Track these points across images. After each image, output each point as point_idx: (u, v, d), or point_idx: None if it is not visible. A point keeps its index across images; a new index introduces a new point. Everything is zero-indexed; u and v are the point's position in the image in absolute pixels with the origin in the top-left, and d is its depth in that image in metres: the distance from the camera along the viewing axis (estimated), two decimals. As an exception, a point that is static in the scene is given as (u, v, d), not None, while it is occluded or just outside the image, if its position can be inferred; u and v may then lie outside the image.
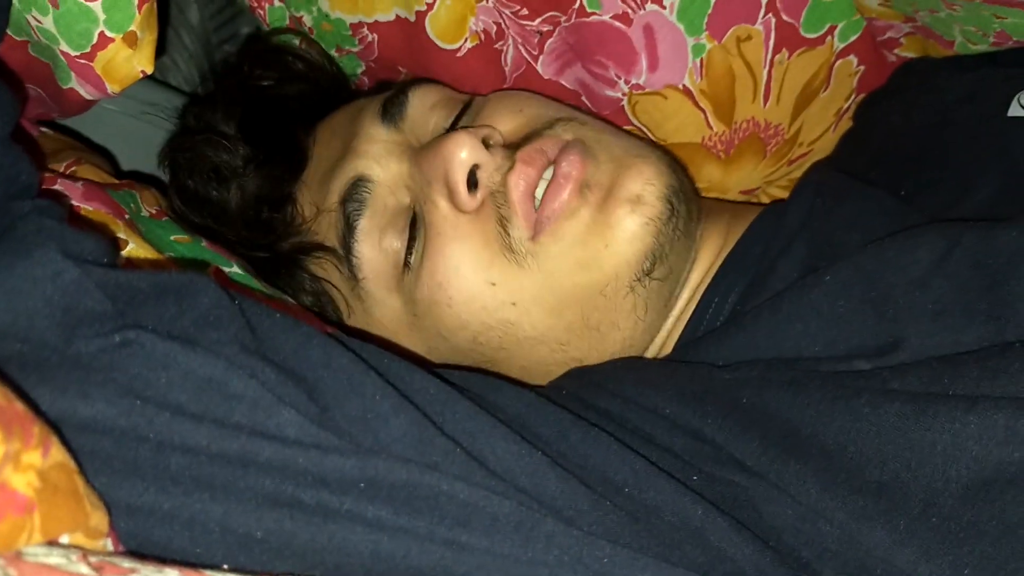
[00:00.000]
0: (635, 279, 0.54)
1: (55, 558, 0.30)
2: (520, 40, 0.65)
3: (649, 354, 0.59)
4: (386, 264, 0.58)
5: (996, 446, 0.39)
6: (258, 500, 0.35)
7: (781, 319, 0.49)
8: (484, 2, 0.63)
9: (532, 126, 0.58)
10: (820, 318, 0.48)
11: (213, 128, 0.65)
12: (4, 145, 0.41)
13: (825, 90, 0.67)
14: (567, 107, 0.62)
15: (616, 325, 0.55)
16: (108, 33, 0.54)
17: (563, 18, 0.63)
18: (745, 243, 0.58)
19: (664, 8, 0.62)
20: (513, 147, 0.56)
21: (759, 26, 0.63)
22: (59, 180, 0.56)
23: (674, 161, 0.60)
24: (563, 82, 0.67)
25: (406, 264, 0.56)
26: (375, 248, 0.57)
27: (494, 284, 0.54)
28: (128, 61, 0.55)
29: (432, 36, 0.66)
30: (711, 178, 0.70)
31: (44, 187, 0.54)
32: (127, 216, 0.57)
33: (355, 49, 0.70)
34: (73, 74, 0.56)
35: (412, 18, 0.65)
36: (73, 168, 0.62)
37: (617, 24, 0.62)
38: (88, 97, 0.58)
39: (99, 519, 0.33)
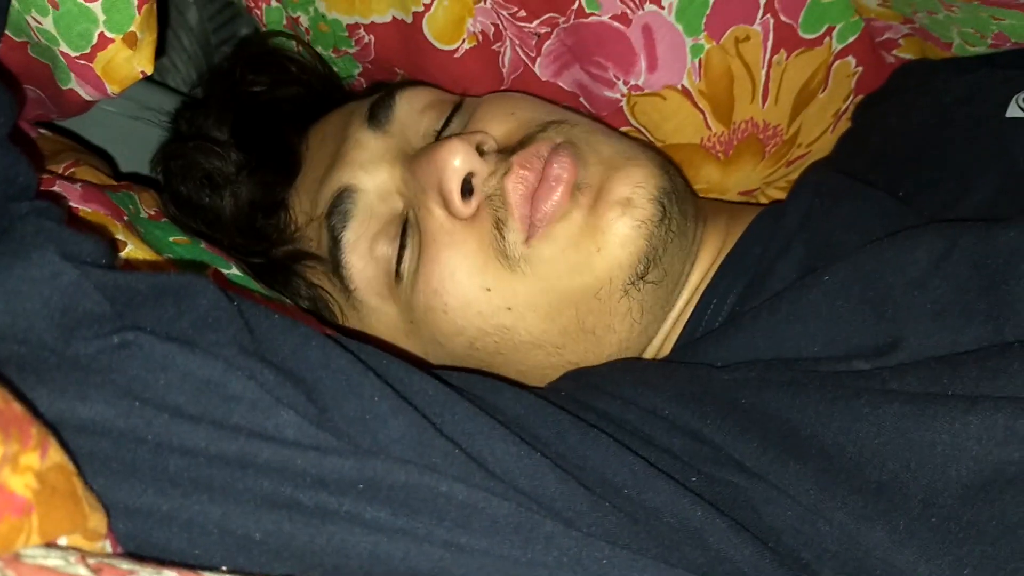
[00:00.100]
0: (629, 282, 0.54)
1: (53, 560, 0.30)
2: (518, 42, 0.65)
3: (647, 355, 0.59)
4: (378, 273, 0.57)
5: (996, 446, 0.39)
6: (257, 501, 0.35)
7: (780, 319, 0.49)
8: (482, 3, 0.63)
9: (526, 130, 0.57)
10: (819, 318, 0.48)
11: (205, 134, 0.65)
12: (2, 146, 0.41)
13: (823, 91, 0.68)
14: (559, 109, 0.62)
15: (612, 328, 0.55)
16: (108, 34, 0.54)
17: (561, 20, 0.63)
18: (744, 244, 0.58)
19: (663, 8, 0.62)
20: (507, 152, 0.56)
21: (757, 26, 0.63)
22: (58, 181, 0.56)
23: (666, 162, 0.60)
24: (561, 84, 0.67)
25: (397, 272, 0.56)
26: (365, 258, 0.57)
27: (489, 290, 0.54)
28: (128, 62, 0.55)
29: (429, 37, 0.66)
30: (710, 179, 0.70)
31: (43, 188, 0.54)
32: (126, 217, 0.57)
33: (352, 50, 0.70)
34: (73, 75, 0.56)
35: (409, 19, 0.65)
36: (72, 169, 0.62)
37: (616, 24, 0.62)
38: (88, 98, 0.58)
39: (98, 521, 0.33)
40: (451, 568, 0.36)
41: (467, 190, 0.54)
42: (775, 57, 0.64)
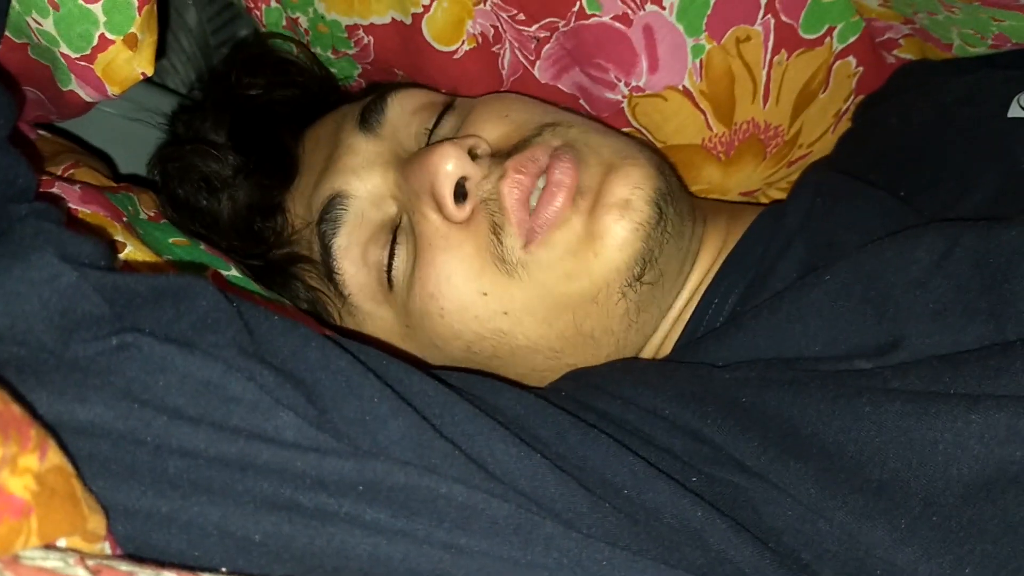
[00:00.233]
0: (626, 284, 0.54)
1: (52, 562, 0.30)
2: (517, 45, 0.65)
3: (648, 354, 0.59)
4: (370, 278, 0.57)
5: (998, 445, 0.39)
6: (256, 503, 0.35)
7: (781, 319, 0.49)
8: (482, 5, 0.63)
9: (520, 133, 0.57)
10: (820, 318, 0.48)
11: (202, 137, 0.65)
12: (2, 148, 0.41)
13: (824, 91, 0.67)
14: (554, 110, 0.62)
15: (609, 330, 0.55)
16: (108, 35, 0.54)
17: (561, 23, 0.63)
18: (745, 244, 0.58)
19: (663, 9, 0.62)
20: (501, 155, 0.56)
21: (758, 27, 0.63)
22: (57, 183, 0.56)
23: (662, 162, 0.59)
24: (561, 86, 0.67)
25: (389, 278, 0.56)
26: (357, 263, 0.57)
27: (486, 294, 0.54)
28: (128, 63, 0.55)
29: (428, 39, 0.66)
30: (711, 180, 0.70)
31: (42, 190, 0.54)
32: (125, 219, 0.57)
33: (351, 51, 0.70)
34: (73, 76, 0.56)
35: (408, 21, 0.65)
36: (71, 171, 0.62)
37: (617, 25, 0.62)
38: (88, 99, 0.58)
39: (97, 522, 0.33)
40: (451, 569, 0.36)
41: (461, 194, 0.54)
42: (776, 57, 0.64)
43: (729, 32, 0.63)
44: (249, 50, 0.73)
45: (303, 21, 0.70)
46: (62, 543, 0.32)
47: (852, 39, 0.66)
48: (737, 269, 0.57)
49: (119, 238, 0.54)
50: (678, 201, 0.57)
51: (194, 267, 0.58)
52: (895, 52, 0.67)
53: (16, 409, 0.31)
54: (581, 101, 0.67)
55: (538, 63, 0.66)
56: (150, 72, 0.56)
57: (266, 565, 0.36)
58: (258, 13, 0.72)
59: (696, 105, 0.66)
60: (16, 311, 0.34)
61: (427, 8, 0.64)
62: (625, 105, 0.66)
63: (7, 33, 0.54)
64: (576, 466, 0.42)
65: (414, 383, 0.41)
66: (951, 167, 0.56)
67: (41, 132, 0.68)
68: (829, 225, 0.55)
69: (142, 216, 0.61)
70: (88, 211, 0.54)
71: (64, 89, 0.57)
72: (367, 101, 0.61)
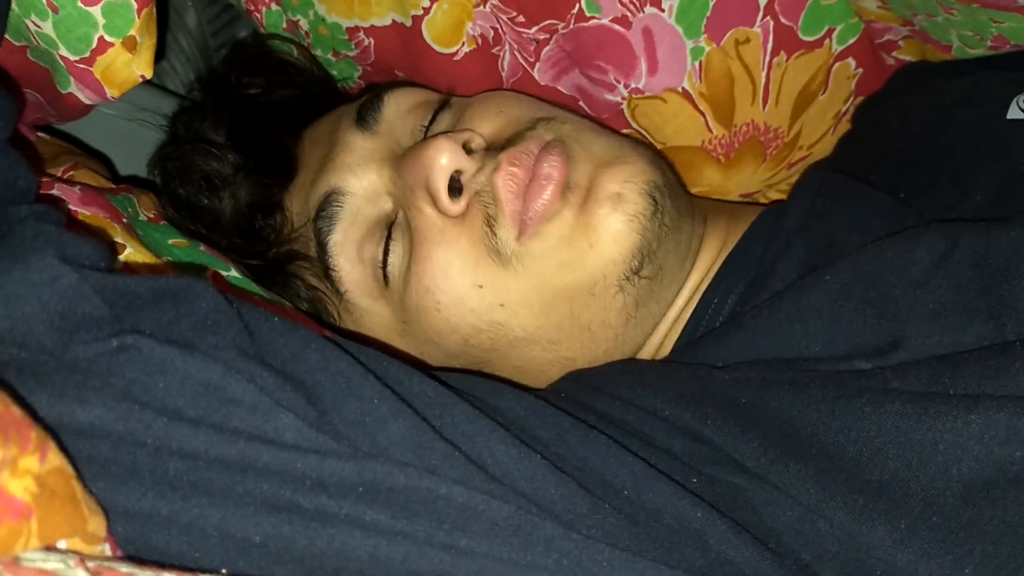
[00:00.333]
0: (624, 278, 0.54)
1: (53, 563, 0.30)
2: (516, 46, 0.65)
3: (647, 354, 0.59)
4: (366, 275, 0.57)
5: (998, 445, 0.39)
6: (256, 504, 0.35)
7: (781, 319, 0.49)
8: (482, 7, 0.64)
9: (514, 127, 0.57)
10: (820, 318, 0.48)
11: (202, 137, 0.65)
12: (2, 150, 0.41)
13: (823, 93, 0.68)
14: (549, 106, 0.62)
15: (607, 324, 0.55)
16: (108, 38, 0.54)
17: (560, 25, 0.63)
18: (745, 244, 0.58)
19: (663, 11, 0.62)
20: (496, 149, 0.56)
21: (757, 28, 0.63)
22: (56, 184, 0.56)
23: (658, 157, 0.59)
24: (560, 88, 0.67)
25: (385, 273, 0.56)
26: (352, 260, 0.57)
27: (482, 287, 0.54)
28: (128, 66, 0.55)
29: (429, 40, 0.66)
30: (711, 181, 0.70)
31: (41, 192, 0.54)
32: (125, 220, 0.57)
33: (352, 53, 0.70)
34: (72, 79, 0.56)
35: (408, 23, 0.65)
36: (71, 173, 0.62)
37: (616, 27, 0.62)
38: (87, 102, 0.58)
39: (97, 524, 0.33)
40: (451, 571, 0.36)
41: (455, 188, 0.54)
42: (775, 59, 0.64)
43: (728, 34, 0.63)
44: (248, 51, 0.74)
45: (304, 24, 0.70)
46: (62, 545, 0.32)
47: (851, 41, 0.66)
48: (737, 269, 0.57)
49: (119, 239, 0.54)
50: (675, 195, 0.57)
51: (194, 268, 0.58)
52: (894, 54, 0.67)
53: (16, 411, 0.31)
54: (581, 103, 0.67)
55: (538, 65, 0.66)
56: (149, 75, 0.56)
57: (266, 566, 0.36)
58: (258, 16, 0.72)
59: (696, 107, 0.66)
60: (16, 313, 0.34)
61: (427, 10, 0.64)
62: (624, 107, 0.66)
63: (6, 35, 0.54)
64: (576, 467, 0.42)
65: (414, 384, 0.41)
66: (951, 169, 0.56)
67: (40, 134, 0.68)
68: (829, 225, 0.55)
69: (142, 217, 0.61)
70: (88, 213, 0.54)
71: (63, 92, 0.57)
72: (364, 99, 0.62)
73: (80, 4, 0.52)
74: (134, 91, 0.58)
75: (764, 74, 0.65)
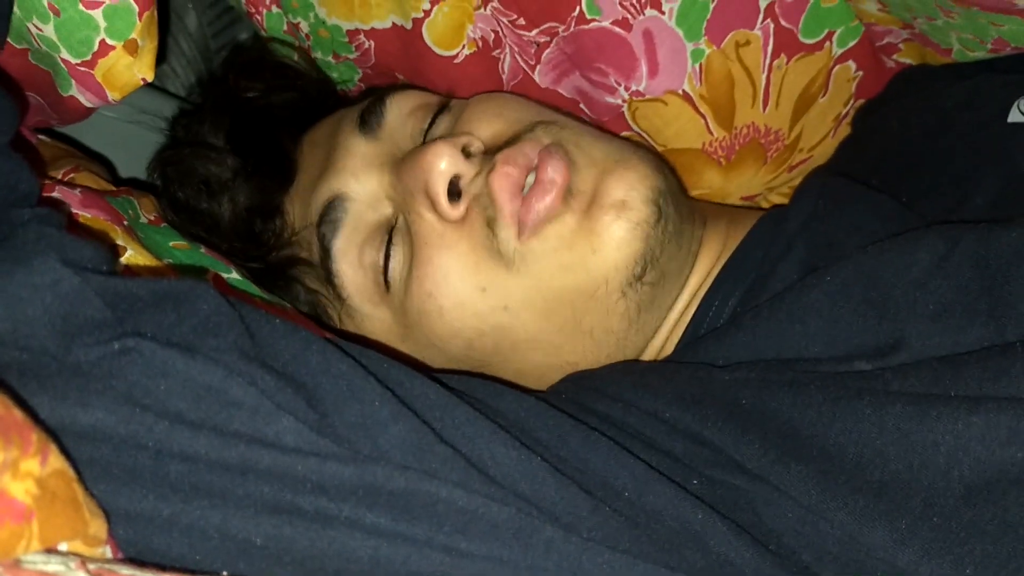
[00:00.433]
0: (626, 284, 0.54)
1: (54, 566, 0.30)
2: (517, 49, 0.65)
3: (649, 356, 0.59)
4: (367, 280, 0.57)
5: (1000, 447, 0.39)
6: (257, 507, 0.35)
7: (781, 319, 0.49)
8: (482, 10, 0.64)
9: (513, 130, 0.57)
10: (820, 318, 0.48)
11: (202, 140, 0.65)
12: (4, 153, 0.41)
13: (824, 95, 0.68)
14: (548, 110, 0.62)
15: (609, 329, 0.55)
16: (109, 41, 0.54)
17: (561, 28, 0.63)
18: (746, 247, 0.58)
19: (663, 13, 0.62)
20: (494, 152, 0.56)
21: (758, 31, 0.63)
22: (57, 187, 0.56)
23: (660, 161, 0.59)
24: (561, 91, 0.67)
25: (386, 279, 0.56)
26: (354, 266, 0.57)
27: (484, 290, 0.54)
28: (129, 69, 0.55)
29: (429, 43, 0.66)
30: (712, 184, 0.70)
31: (42, 194, 0.54)
32: (126, 223, 0.57)
33: (352, 56, 0.70)
34: (74, 82, 0.56)
35: (408, 25, 0.65)
36: (71, 175, 0.62)
37: (617, 30, 0.62)
38: (88, 105, 0.58)
39: (98, 526, 0.33)
40: (451, 573, 0.37)
41: (455, 192, 0.54)
42: (775, 62, 0.64)
43: (729, 36, 0.63)
44: (247, 54, 0.74)
45: (304, 26, 0.70)
46: (63, 547, 0.32)
47: (852, 43, 0.66)
48: (738, 271, 0.57)
49: (120, 242, 0.54)
50: (678, 200, 0.57)
51: (195, 270, 0.58)
52: (895, 56, 0.67)
53: (18, 413, 0.31)
54: (581, 105, 0.68)
55: (538, 68, 0.66)
56: (150, 78, 0.56)
57: (267, 569, 0.36)
58: (259, 18, 0.72)
59: (696, 109, 0.66)
60: (18, 315, 0.34)
61: (428, 13, 0.64)
62: (625, 109, 0.66)
63: (8, 39, 0.55)
64: (577, 469, 0.42)
65: (415, 386, 0.41)
66: (951, 172, 0.56)
67: (40, 137, 0.68)
68: (830, 227, 0.55)
69: (142, 220, 0.61)
70: (89, 215, 0.54)
71: (65, 95, 0.57)
72: (366, 103, 0.61)
73: (81, 7, 0.52)
74: (135, 94, 0.58)
75: (764, 76, 0.65)
